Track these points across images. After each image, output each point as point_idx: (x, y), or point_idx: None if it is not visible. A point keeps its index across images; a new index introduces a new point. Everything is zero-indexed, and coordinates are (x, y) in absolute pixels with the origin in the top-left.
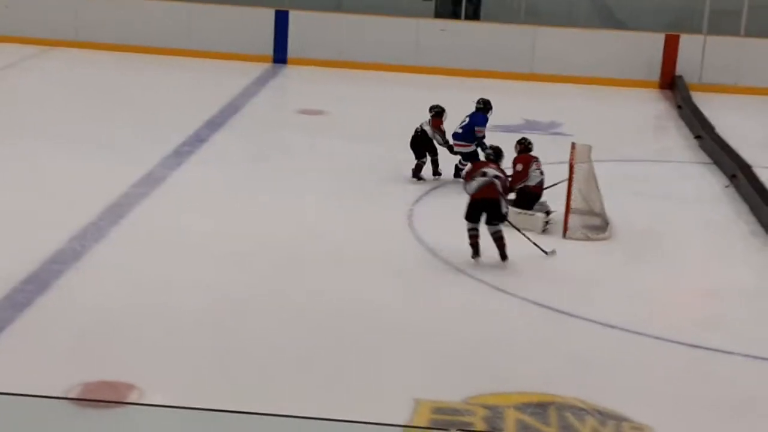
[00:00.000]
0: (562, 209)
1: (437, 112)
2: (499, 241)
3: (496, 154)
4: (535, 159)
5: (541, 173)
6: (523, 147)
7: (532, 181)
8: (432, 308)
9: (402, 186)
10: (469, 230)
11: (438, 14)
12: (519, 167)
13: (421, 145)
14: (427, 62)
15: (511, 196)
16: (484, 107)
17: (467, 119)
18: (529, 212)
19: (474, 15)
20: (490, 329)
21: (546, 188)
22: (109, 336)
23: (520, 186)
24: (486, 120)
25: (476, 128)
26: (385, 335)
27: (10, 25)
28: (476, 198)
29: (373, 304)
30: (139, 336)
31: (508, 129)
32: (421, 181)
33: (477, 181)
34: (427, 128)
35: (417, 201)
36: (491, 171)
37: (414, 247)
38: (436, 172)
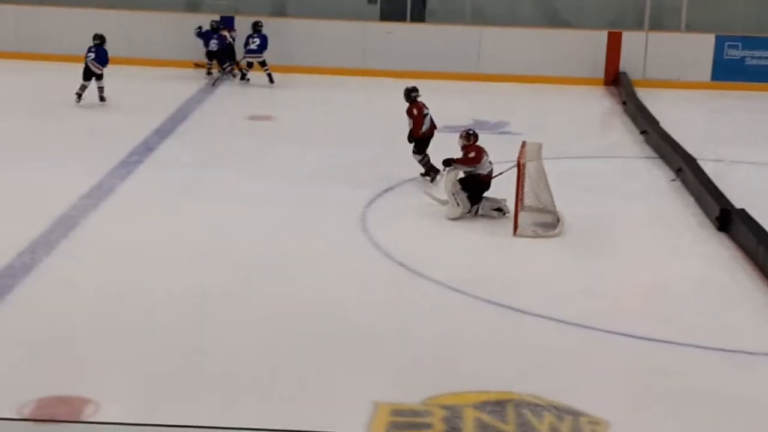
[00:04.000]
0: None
1: None
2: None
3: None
4: (485, 150)
5: (490, 163)
6: (475, 138)
7: (483, 170)
8: (388, 310)
9: (353, 190)
10: None
11: (384, 17)
12: (472, 154)
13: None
14: (375, 65)
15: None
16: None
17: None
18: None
19: (420, 17)
20: (446, 329)
21: (495, 176)
22: (62, 350)
23: (469, 171)
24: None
25: None
26: (342, 339)
27: None
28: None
29: (329, 308)
30: (94, 349)
31: (456, 129)
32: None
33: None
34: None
35: (369, 204)
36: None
37: (368, 249)
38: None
